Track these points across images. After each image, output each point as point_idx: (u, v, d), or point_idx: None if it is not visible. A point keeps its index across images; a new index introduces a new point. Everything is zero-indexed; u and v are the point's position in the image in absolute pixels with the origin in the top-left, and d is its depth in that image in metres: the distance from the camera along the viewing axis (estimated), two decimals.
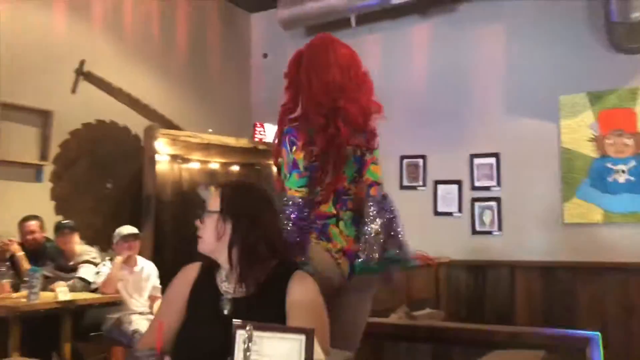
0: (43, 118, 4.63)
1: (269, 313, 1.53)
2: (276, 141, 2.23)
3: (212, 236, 1.66)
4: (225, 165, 5.87)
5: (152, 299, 4.03)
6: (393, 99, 5.86)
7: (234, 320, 1.22)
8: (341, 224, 2.13)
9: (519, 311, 4.86)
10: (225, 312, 1.61)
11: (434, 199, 5.61)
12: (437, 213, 5.58)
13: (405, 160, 5.78)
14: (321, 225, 2.07)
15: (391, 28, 5.96)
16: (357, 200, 2.23)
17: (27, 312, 3.17)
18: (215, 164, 5.78)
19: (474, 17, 5.56)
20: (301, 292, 1.58)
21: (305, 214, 2.01)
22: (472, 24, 5.57)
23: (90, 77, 5.04)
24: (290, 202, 2.00)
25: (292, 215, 1.98)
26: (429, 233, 5.51)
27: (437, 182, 5.62)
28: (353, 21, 5.79)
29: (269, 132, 5.52)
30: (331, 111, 2.14)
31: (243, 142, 5.39)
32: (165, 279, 4.27)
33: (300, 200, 2.01)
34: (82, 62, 4.96)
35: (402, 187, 5.78)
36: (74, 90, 4.92)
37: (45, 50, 4.68)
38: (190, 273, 1.76)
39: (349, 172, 2.20)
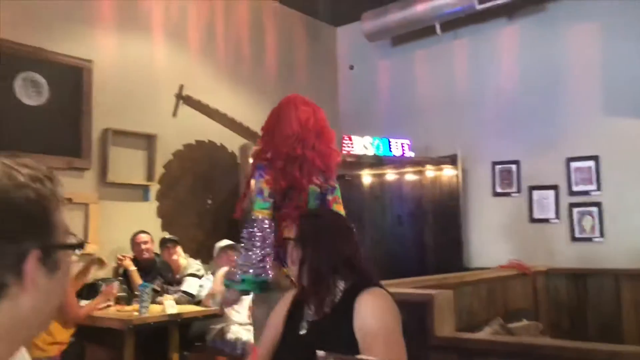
0: (148, 142, 5.01)
1: (339, 335, 1.60)
2: (249, 175, 2.70)
3: (291, 262, 1.79)
4: None
5: (251, 310, 4.22)
6: (482, 104, 5.79)
7: (318, 352, 1.29)
8: None
9: (626, 324, 4.59)
10: (301, 332, 1.71)
11: (529, 206, 5.45)
12: (532, 220, 5.42)
13: (497, 167, 5.66)
14: (282, 250, 2.30)
15: (477, 32, 5.87)
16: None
17: (139, 325, 3.46)
18: None
19: (564, 16, 5.35)
20: (368, 316, 1.60)
21: (269, 232, 2.45)
22: (563, 23, 5.36)
23: (189, 101, 5.38)
24: (256, 222, 2.46)
25: (257, 233, 2.44)
26: (525, 240, 5.36)
27: (532, 188, 5.46)
28: (438, 29, 5.77)
29: (356, 144, 5.61)
30: (291, 158, 2.59)
31: None
32: None
33: (266, 219, 2.47)
34: (181, 87, 5.32)
35: (495, 194, 5.66)
36: (174, 114, 5.28)
37: (147, 78, 5.07)
38: (289, 297, 1.87)
39: (311, 206, 2.64)
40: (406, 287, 3.41)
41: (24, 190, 0.74)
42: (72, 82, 4.56)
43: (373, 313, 1.60)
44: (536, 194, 5.42)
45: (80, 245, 0.82)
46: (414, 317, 2.71)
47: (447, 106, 6.00)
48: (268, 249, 2.45)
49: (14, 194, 0.73)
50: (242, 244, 2.55)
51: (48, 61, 4.41)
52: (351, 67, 6.83)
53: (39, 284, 0.74)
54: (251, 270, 2.42)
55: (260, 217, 2.48)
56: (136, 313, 3.53)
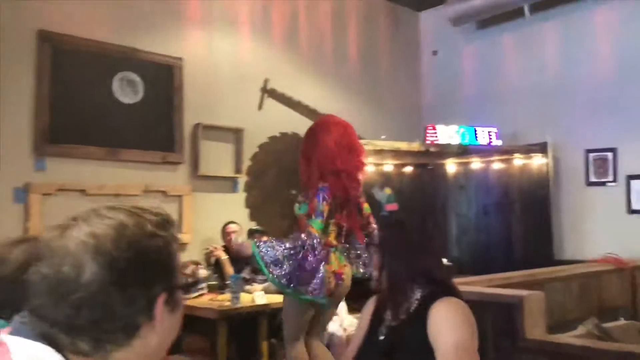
0: (235, 135, 5.18)
1: (414, 342, 1.62)
2: (313, 195, 3.02)
3: (374, 268, 1.83)
4: (398, 167, 6.01)
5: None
6: (574, 89, 5.51)
7: None
8: (337, 252, 3.04)
9: None
10: (380, 337, 1.74)
11: (627, 196, 5.16)
12: (631, 211, 5.12)
13: (591, 154, 5.38)
14: (325, 253, 2.93)
15: (569, 13, 5.57)
16: (349, 233, 3.15)
17: (231, 314, 3.63)
18: (388, 166, 5.95)
19: None
20: (442, 325, 1.59)
21: (318, 248, 2.88)
22: None
23: (273, 94, 5.50)
24: (314, 238, 2.88)
25: (314, 246, 2.88)
26: (622, 233, 5.09)
27: (630, 177, 5.15)
28: (527, 11, 5.53)
29: (441, 134, 5.52)
30: (335, 172, 3.00)
31: (415, 146, 5.46)
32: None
33: (318, 237, 2.90)
34: (266, 81, 5.44)
35: (589, 183, 5.40)
36: (260, 107, 5.42)
37: (234, 74, 5.22)
38: (373, 300, 1.91)
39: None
40: (494, 285, 3.35)
41: (154, 239, 0.80)
42: (164, 79, 4.78)
43: (447, 323, 1.59)
44: (636, 183, 5.11)
45: (195, 283, 0.89)
46: (503, 317, 2.67)
47: (536, 92, 5.76)
48: (320, 272, 2.89)
49: (146, 243, 0.79)
50: (289, 241, 2.98)
51: (142, 60, 4.65)
52: (435, 53, 6.69)
53: (164, 323, 0.81)
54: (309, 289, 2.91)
55: (316, 235, 2.90)
56: (228, 303, 3.70)
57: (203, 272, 4.19)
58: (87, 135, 4.33)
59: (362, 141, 5.60)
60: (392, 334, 1.70)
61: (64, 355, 0.74)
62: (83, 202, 4.28)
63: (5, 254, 1.30)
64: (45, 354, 0.73)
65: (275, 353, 4.26)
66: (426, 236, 1.85)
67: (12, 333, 0.77)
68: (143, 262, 0.79)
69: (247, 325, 3.92)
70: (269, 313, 3.89)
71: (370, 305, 1.92)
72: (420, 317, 1.64)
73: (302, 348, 3.10)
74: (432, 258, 1.78)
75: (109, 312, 0.75)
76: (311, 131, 3.26)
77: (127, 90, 4.56)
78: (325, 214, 2.93)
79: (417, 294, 1.70)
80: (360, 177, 3.21)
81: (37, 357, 0.73)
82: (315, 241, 2.88)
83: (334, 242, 3.05)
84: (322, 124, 3.27)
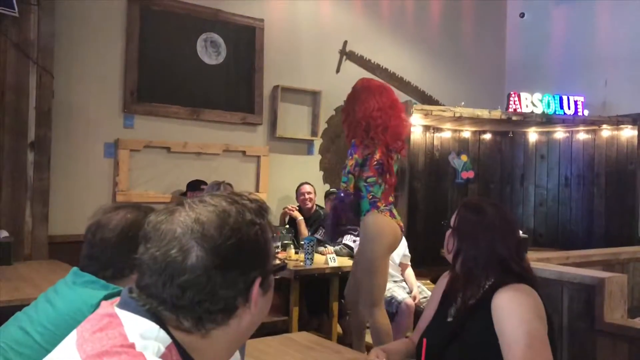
0: (313, 98, 5.22)
1: (479, 328, 1.60)
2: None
3: (445, 247, 1.78)
4: (476, 133, 5.87)
5: (402, 266, 4.33)
6: None
7: None
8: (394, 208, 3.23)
9: None
10: (448, 319, 1.73)
11: None
12: None
13: None
14: (389, 208, 3.14)
15: None
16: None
17: (304, 275, 3.75)
18: (466, 133, 5.82)
19: None
20: (507, 312, 1.55)
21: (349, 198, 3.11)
22: None
23: (352, 56, 5.45)
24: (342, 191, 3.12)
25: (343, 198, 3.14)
26: None
27: None
28: None
29: (524, 101, 5.31)
30: (373, 126, 3.05)
31: (496, 114, 5.29)
32: (416, 247, 4.55)
33: (344, 190, 3.12)
34: (345, 43, 5.39)
35: None
36: (338, 70, 5.40)
37: (313, 36, 5.22)
38: (446, 276, 1.90)
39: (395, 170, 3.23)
40: (571, 263, 3.27)
41: (253, 227, 0.86)
42: (246, 41, 4.85)
43: (513, 311, 1.54)
44: None
45: (284, 266, 0.94)
46: (582, 299, 2.61)
47: (631, 59, 5.40)
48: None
49: (246, 230, 0.85)
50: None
51: (225, 22, 4.73)
52: (522, 15, 6.38)
53: (258, 304, 0.87)
54: None
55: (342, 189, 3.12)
56: (302, 263, 3.81)
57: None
58: (172, 94, 4.50)
59: (440, 107, 5.56)
60: (459, 318, 1.69)
61: (167, 330, 0.81)
62: (167, 159, 4.49)
63: (109, 219, 1.41)
64: (153, 329, 0.80)
65: (345, 313, 4.38)
66: (507, 223, 1.72)
67: (120, 306, 0.85)
68: (243, 248, 0.84)
69: (318, 284, 4.04)
70: (340, 275, 3.99)
71: (442, 282, 1.91)
72: (486, 303, 1.60)
73: (384, 313, 3.15)
74: (511, 246, 1.68)
75: (211, 294, 0.81)
76: (352, 93, 3.30)
77: (210, 51, 4.67)
78: (348, 169, 3.10)
79: (490, 280, 1.68)
80: (403, 136, 3.24)
81: (146, 332, 0.80)
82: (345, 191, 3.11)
83: (391, 199, 3.22)
84: (362, 85, 3.30)
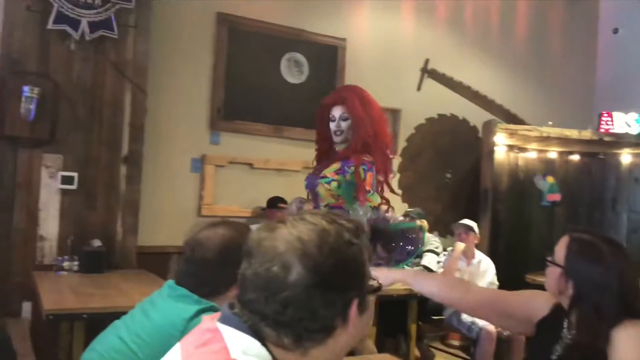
0: (393, 116, 5.18)
1: None
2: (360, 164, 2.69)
3: (554, 287, 1.62)
4: (563, 154, 5.62)
5: None
6: None
7: None
8: None
9: None
10: (553, 356, 1.60)
11: None
12: None
13: None
14: None
15: None
16: None
17: (381, 295, 3.70)
18: (553, 153, 5.59)
19: None
20: (629, 351, 1.45)
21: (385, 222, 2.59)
22: None
23: (434, 74, 5.40)
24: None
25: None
26: None
27: None
28: None
29: (617, 121, 5.05)
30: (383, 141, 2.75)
31: (586, 135, 5.05)
32: (501, 271, 4.40)
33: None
34: (426, 61, 5.35)
35: None
36: (419, 88, 5.36)
37: (395, 53, 5.20)
38: (550, 299, 1.71)
39: None
40: None
41: (351, 247, 0.86)
42: (327, 60, 4.91)
43: (634, 349, 1.45)
44: None
45: (380, 288, 0.93)
46: None
47: None
48: None
49: (344, 250, 0.85)
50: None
51: (308, 41, 4.81)
52: (615, 31, 6.08)
53: (355, 324, 0.86)
54: None
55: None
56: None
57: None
58: (256, 112, 4.62)
59: (526, 126, 5.38)
60: (568, 354, 1.57)
61: (266, 347, 0.82)
62: (249, 175, 4.60)
63: (208, 238, 1.45)
64: (254, 345, 0.82)
65: (423, 336, 4.29)
66: (625, 259, 1.55)
67: (222, 321, 0.87)
68: (342, 268, 0.84)
69: (395, 305, 3.98)
70: (419, 297, 3.91)
71: (541, 301, 1.74)
72: (602, 342, 1.48)
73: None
74: (632, 284, 1.54)
75: (310, 313, 0.82)
76: (360, 91, 2.90)
77: (293, 70, 4.76)
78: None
79: (610, 320, 1.52)
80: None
81: (247, 347, 0.81)
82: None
83: None
84: (361, 89, 2.94)
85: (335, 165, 2.66)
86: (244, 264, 0.87)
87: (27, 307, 3.48)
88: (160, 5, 4.10)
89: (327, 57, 4.90)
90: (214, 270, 1.43)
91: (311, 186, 2.73)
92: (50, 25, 3.57)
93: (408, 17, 5.31)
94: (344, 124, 2.73)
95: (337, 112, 2.76)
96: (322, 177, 2.65)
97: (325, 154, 2.84)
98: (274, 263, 0.83)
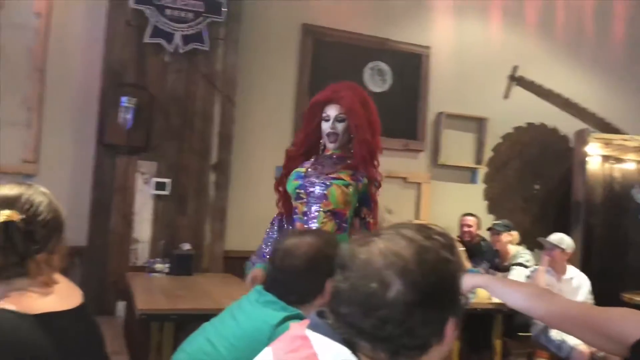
0: (479, 125, 5.06)
1: None
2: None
3: None
4: None
5: None
6: None
7: None
8: None
9: None
10: None
11: None
12: None
13: None
14: None
15: None
16: None
17: (467, 309, 3.59)
18: None
19: None
20: None
21: None
22: None
23: (522, 82, 5.22)
24: None
25: None
26: None
27: None
28: None
29: None
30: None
31: None
32: (595, 288, 4.15)
33: None
34: (514, 68, 5.18)
35: None
36: (506, 96, 5.19)
37: (481, 61, 5.08)
38: None
39: None
40: None
41: (449, 265, 0.85)
42: (411, 68, 4.87)
43: None
44: None
45: (467, 303, 0.91)
46: None
47: None
48: None
49: (443, 268, 0.84)
50: None
51: (392, 50, 4.80)
52: None
53: (448, 342, 0.86)
54: None
55: None
56: None
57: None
58: None
59: (623, 136, 5.07)
60: None
61: (357, 356, 0.82)
62: None
63: (297, 246, 1.47)
64: (344, 353, 0.82)
65: (509, 353, 4.13)
66: None
67: (312, 328, 0.88)
68: (441, 287, 0.84)
69: (480, 319, 3.86)
70: (505, 312, 3.77)
71: (634, 322, 1.65)
72: None
73: None
74: None
75: (409, 330, 0.82)
76: (360, 91, 2.50)
77: (376, 79, 4.76)
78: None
79: None
80: None
81: (337, 355, 0.82)
82: None
83: None
84: (360, 88, 2.56)
85: (347, 171, 2.36)
86: (337, 276, 0.87)
87: (121, 306, 3.67)
88: (249, 18, 4.23)
89: (410, 65, 4.86)
90: (302, 279, 1.45)
91: (310, 186, 2.35)
92: (147, 39, 3.78)
93: (495, 22, 5.17)
94: (340, 126, 2.39)
95: (332, 111, 2.41)
96: (336, 179, 2.33)
97: (304, 156, 2.49)
98: (372, 279, 0.82)
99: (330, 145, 2.42)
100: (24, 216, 1.19)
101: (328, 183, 2.32)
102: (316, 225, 2.29)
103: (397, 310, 0.81)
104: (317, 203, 2.32)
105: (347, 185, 2.31)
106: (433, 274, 0.83)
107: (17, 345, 1.09)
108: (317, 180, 2.34)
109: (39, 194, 1.25)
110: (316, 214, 2.32)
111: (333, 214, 2.31)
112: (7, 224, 1.16)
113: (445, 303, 0.85)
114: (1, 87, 3.72)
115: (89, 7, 3.96)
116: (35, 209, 1.21)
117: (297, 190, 2.38)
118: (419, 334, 0.82)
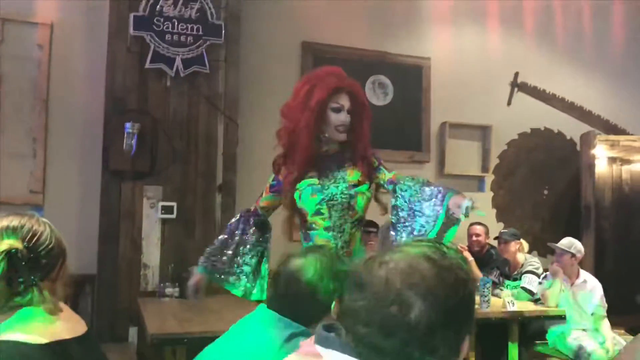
0: (483, 133, 5.05)
1: None
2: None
3: None
4: None
5: (596, 317, 3.92)
6: None
7: None
8: None
9: None
10: None
11: None
12: None
13: None
14: None
15: None
16: None
17: (480, 318, 3.56)
18: None
19: None
20: None
21: None
22: None
23: (524, 88, 5.21)
24: None
25: None
26: None
27: None
28: None
29: None
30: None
31: None
32: (608, 292, 4.10)
33: None
34: (516, 75, 5.18)
35: None
36: (509, 103, 5.19)
37: (482, 69, 5.08)
38: None
39: None
40: None
41: (466, 285, 0.86)
42: (412, 80, 4.88)
43: None
44: None
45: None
46: None
47: None
48: None
49: (462, 289, 0.85)
50: None
51: (392, 63, 4.81)
52: None
53: (461, 357, 0.86)
54: None
55: None
56: (477, 306, 3.63)
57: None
58: None
59: (629, 137, 5.04)
60: None
61: None
62: None
63: (300, 267, 1.45)
64: None
65: None
66: None
67: (321, 343, 0.87)
68: (461, 308, 0.84)
69: (495, 329, 3.81)
70: (520, 320, 3.73)
71: None
72: None
73: None
74: None
75: (431, 350, 0.81)
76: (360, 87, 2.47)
77: (378, 92, 4.77)
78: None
79: None
80: None
81: None
82: None
83: None
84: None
85: (357, 170, 2.28)
86: (354, 295, 0.85)
87: (133, 332, 3.65)
88: (249, 39, 4.26)
89: (411, 77, 4.87)
90: (308, 303, 1.43)
91: (331, 199, 2.24)
92: (148, 65, 3.81)
93: (494, 29, 5.18)
94: (349, 118, 2.26)
95: (345, 101, 2.25)
96: (356, 186, 2.26)
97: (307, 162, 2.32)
98: (391, 300, 0.81)
99: (341, 137, 2.30)
100: (26, 245, 1.20)
101: (353, 193, 2.26)
102: (346, 238, 2.24)
103: (419, 332, 0.80)
104: (343, 216, 2.25)
105: (367, 189, 2.29)
106: (454, 295, 0.83)
107: None
108: (337, 192, 2.26)
109: (39, 223, 1.27)
110: (344, 227, 2.25)
111: (359, 221, 2.29)
112: (10, 253, 1.17)
113: (462, 323, 0.85)
114: (6, 118, 3.76)
115: (90, 35, 4.00)
116: (37, 237, 1.23)
117: (317, 206, 2.26)
118: (439, 353, 0.82)
